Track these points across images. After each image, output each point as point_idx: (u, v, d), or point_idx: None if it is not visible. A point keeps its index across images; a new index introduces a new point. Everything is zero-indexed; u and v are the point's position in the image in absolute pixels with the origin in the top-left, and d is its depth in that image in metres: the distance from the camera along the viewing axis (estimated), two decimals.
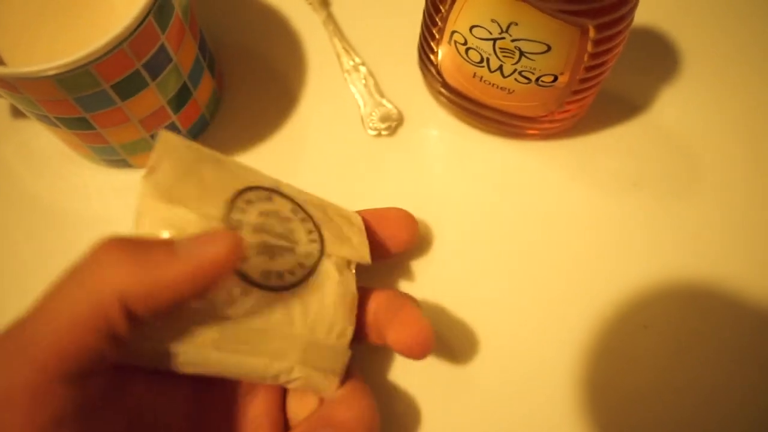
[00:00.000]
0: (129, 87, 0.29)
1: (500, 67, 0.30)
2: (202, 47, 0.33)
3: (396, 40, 0.37)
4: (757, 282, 0.32)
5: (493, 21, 0.27)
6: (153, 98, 0.30)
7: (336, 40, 0.37)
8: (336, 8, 0.39)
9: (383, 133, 0.36)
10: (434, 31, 0.31)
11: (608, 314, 0.32)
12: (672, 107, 0.36)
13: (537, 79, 0.29)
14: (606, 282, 0.32)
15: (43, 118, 0.30)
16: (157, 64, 0.29)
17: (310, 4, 0.39)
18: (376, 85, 0.37)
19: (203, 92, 0.34)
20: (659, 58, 0.38)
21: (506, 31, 0.27)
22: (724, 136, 0.36)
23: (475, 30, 0.28)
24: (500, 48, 0.28)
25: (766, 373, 0.30)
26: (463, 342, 0.31)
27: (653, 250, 0.33)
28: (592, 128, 0.36)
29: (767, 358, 0.31)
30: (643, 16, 0.38)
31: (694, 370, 0.31)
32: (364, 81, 0.37)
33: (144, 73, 0.29)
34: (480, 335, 0.31)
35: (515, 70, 0.29)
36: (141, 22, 0.27)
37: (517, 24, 0.27)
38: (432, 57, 0.33)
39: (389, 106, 0.36)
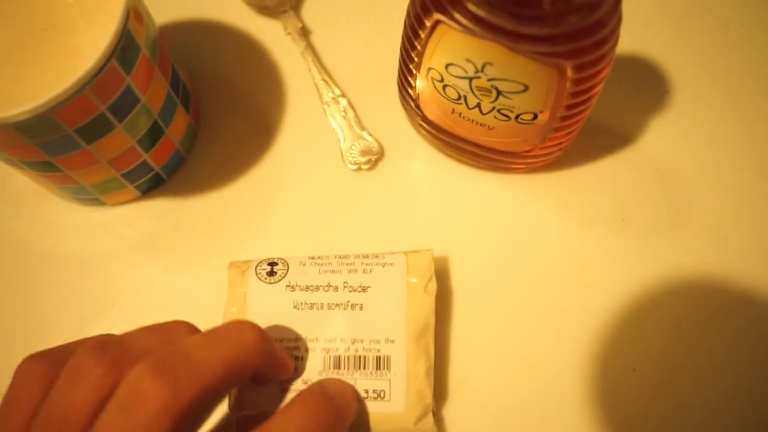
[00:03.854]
0: (94, 130, 0.28)
1: (478, 105, 0.28)
2: (175, 83, 0.32)
3: (377, 71, 0.36)
4: (748, 320, 0.31)
5: (467, 60, 0.26)
6: (121, 139, 0.30)
7: (315, 71, 0.37)
8: (315, 38, 0.38)
9: (363, 167, 0.35)
10: (411, 67, 0.30)
11: (595, 354, 0.31)
12: (661, 137, 0.35)
13: (516, 117, 0.28)
14: (593, 320, 0.31)
15: (8, 161, 0.29)
16: (124, 106, 0.28)
17: (289, 34, 0.38)
18: (356, 117, 0.36)
19: (177, 128, 0.33)
20: (648, 86, 0.36)
21: (482, 71, 0.26)
22: (714, 168, 0.34)
23: (450, 68, 0.27)
24: (477, 87, 0.27)
25: (758, 415, 0.29)
26: (448, 381, 0.30)
27: (643, 287, 0.32)
28: (580, 160, 0.35)
29: (758, 397, 0.29)
30: (630, 42, 0.36)
31: (683, 412, 0.30)
32: (344, 113, 0.36)
33: (109, 116, 0.28)
34: (464, 373, 0.30)
35: (493, 108, 0.28)
36: (103, 66, 0.26)
37: (492, 64, 0.26)
38: (411, 91, 0.32)
39: (370, 139, 0.35)
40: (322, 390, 0.24)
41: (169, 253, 0.34)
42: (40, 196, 0.35)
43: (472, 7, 0.24)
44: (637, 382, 0.30)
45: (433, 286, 0.29)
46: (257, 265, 0.29)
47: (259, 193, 0.35)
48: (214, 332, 0.23)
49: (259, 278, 0.29)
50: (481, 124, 0.30)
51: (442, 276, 0.32)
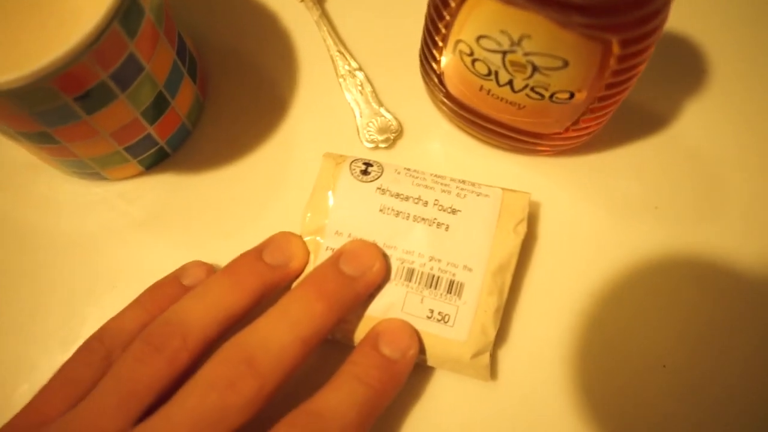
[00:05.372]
0: (95, 100, 0.26)
1: (510, 82, 0.26)
2: (181, 51, 0.30)
3: (396, 43, 0.34)
4: None
5: (503, 32, 0.24)
6: (124, 110, 0.27)
7: (330, 42, 0.34)
8: (331, 6, 0.36)
9: (381, 146, 0.33)
10: (437, 39, 0.28)
11: (623, 350, 0.29)
12: (696, 122, 0.33)
13: (551, 96, 0.26)
14: (621, 313, 0.30)
15: (2, 131, 0.27)
16: (127, 75, 0.26)
17: (302, 1, 0.35)
18: (374, 92, 0.33)
19: (183, 100, 0.31)
20: (686, 68, 0.34)
21: (518, 44, 0.24)
22: (753, 155, 0.32)
23: (482, 41, 0.25)
24: (510, 62, 0.25)
25: None
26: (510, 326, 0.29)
27: (675, 279, 0.30)
28: (610, 144, 0.33)
29: None
30: (671, 21, 0.34)
31: (715, 409, 0.28)
32: (360, 87, 0.33)
33: (111, 85, 0.26)
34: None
35: (527, 86, 0.26)
36: (104, 30, 0.23)
37: (530, 37, 0.23)
38: (434, 66, 0.30)
39: (388, 116, 0.33)
40: (378, 355, 0.25)
41: (173, 231, 0.32)
42: (36, 168, 0.33)
43: None
44: (667, 378, 0.28)
45: (522, 228, 0.28)
46: (352, 161, 0.29)
47: (268, 169, 0.33)
48: (286, 310, 0.24)
49: (352, 174, 0.28)
50: (510, 103, 0.28)
51: None
